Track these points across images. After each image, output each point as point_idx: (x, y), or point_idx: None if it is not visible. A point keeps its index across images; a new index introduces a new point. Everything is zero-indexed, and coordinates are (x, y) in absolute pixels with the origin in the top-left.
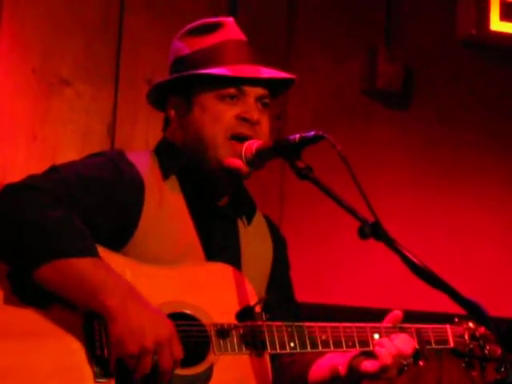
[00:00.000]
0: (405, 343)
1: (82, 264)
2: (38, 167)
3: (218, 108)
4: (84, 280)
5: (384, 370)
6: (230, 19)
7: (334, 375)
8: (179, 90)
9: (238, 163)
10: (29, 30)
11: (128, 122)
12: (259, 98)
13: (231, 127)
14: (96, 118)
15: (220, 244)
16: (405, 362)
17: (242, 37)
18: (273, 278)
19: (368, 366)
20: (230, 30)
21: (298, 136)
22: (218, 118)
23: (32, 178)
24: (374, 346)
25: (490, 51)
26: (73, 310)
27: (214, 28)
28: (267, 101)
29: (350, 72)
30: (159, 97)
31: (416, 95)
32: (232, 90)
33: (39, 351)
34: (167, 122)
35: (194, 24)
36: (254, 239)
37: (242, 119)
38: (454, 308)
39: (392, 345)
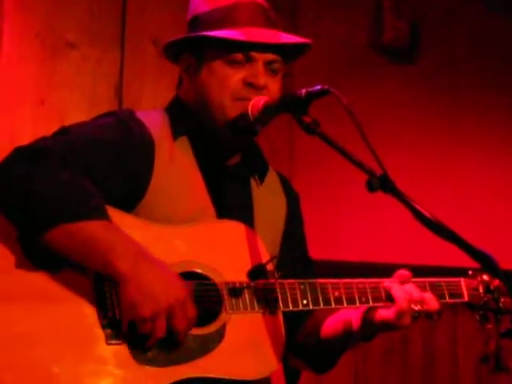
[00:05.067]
0: (414, 288)
1: (92, 227)
2: (46, 132)
3: (224, 72)
4: (94, 243)
5: (400, 315)
6: None
7: (346, 329)
8: (191, 48)
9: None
10: None
11: (135, 84)
12: (268, 63)
13: (237, 91)
14: (103, 80)
15: (232, 203)
16: (417, 308)
17: (260, 0)
18: (287, 235)
19: (384, 313)
20: None
21: (304, 91)
22: (224, 82)
23: (42, 140)
24: (390, 290)
25: (496, 2)
26: (84, 273)
27: None
28: (277, 66)
29: (356, 27)
30: (174, 52)
31: (422, 49)
32: (239, 56)
33: (51, 314)
34: (181, 79)
35: None
36: (267, 197)
37: (248, 84)
38: (467, 262)
39: (404, 289)
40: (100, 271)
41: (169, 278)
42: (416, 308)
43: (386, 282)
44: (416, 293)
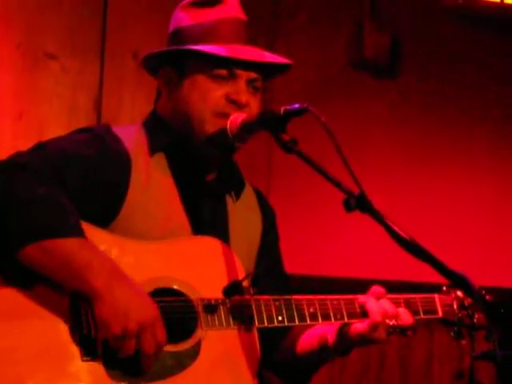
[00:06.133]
0: (389, 304)
1: (68, 244)
2: (25, 143)
3: (207, 86)
4: (69, 261)
5: (374, 328)
6: None
7: (322, 344)
8: (173, 61)
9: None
10: (12, 5)
11: (114, 96)
12: (251, 81)
13: (219, 107)
14: (82, 92)
15: (208, 220)
16: (391, 323)
17: (243, 16)
18: (262, 252)
19: (358, 326)
20: (232, 7)
21: (282, 109)
22: (206, 96)
23: (17, 155)
24: (364, 304)
25: (476, 20)
26: (58, 290)
27: (216, 3)
28: (259, 84)
29: (336, 43)
30: (153, 65)
31: (403, 66)
32: (223, 72)
33: (25, 331)
34: (160, 93)
35: None
36: (243, 213)
37: (231, 101)
38: (442, 278)
39: (378, 303)
40: (74, 288)
41: (141, 298)
42: (390, 323)
43: (361, 298)
44: (390, 308)
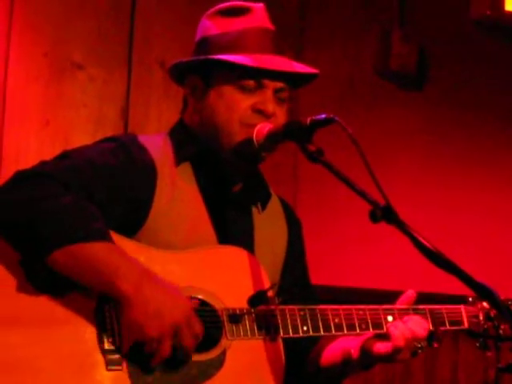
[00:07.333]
0: (418, 325)
1: (96, 248)
2: (51, 152)
3: (234, 97)
4: (98, 265)
5: (397, 351)
6: (261, 5)
7: (345, 358)
8: (199, 70)
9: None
10: (40, 14)
11: (141, 106)
12: (277, 91)
13: (245, 117)
14: (109, 101)
15: (233, 230)
16: (418, 345)
17: (270, 26)
18: (287, 262)
19: (380, 347)
20: (259, 16)
21: (308, 119)
22: (233, 107)
23: (43, 164)
24: (387, 327)
25: (504, 31)
26: (86, 297)
27: (243, 12)
28: (285, 94)
29: (363, 53)
30: (179, 74)
31: (430, 76)
32: (250, 82)
33: (51, 339)
34: (186, 102)
35: (224, 4)
36: (269, 225)
37: (257, 111)
38: (468, 289)
39: (405, 327)
40: (104, 292)
41: (173, 297)
42: (418, 345)
43: (389, 323)
44: (419, 330)
